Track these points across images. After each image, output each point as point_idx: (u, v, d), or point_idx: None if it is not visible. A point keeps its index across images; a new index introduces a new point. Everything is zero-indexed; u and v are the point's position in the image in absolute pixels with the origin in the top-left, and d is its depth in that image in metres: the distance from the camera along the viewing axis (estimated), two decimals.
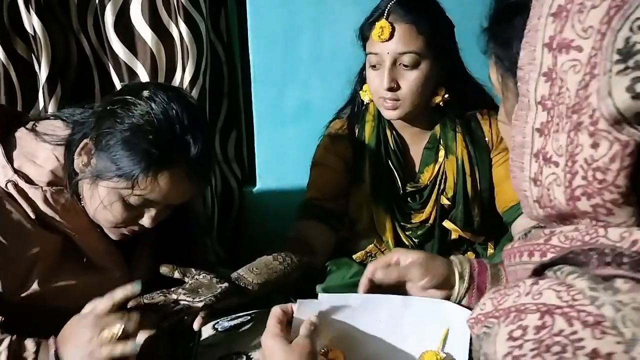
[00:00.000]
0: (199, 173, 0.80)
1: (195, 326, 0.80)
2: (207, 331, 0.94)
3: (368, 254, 1.10)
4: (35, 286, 0.79)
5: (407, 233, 1.07)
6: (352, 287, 1.04)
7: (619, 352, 0.33)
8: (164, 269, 0.85)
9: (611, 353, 0.33)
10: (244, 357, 0.85)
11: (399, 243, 1.07)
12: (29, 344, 0.71)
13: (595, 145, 0.37)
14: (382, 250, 1.10)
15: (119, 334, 0.69)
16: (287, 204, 1.18)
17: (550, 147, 0.41)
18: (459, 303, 0.77)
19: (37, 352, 0.70)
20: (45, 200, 0.78)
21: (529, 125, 0.43)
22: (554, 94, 0.40)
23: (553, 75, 0.40)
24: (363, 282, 0.78)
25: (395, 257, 0.78)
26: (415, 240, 1.07)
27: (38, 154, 0.81)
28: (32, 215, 0.78)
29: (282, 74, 1.42)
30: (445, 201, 1.04)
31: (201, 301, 0.83)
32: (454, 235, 1.05)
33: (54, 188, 0.79)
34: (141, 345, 0.77)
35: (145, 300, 0.78)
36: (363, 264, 1.11)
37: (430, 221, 1.06)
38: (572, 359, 0.33)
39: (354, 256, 1.11)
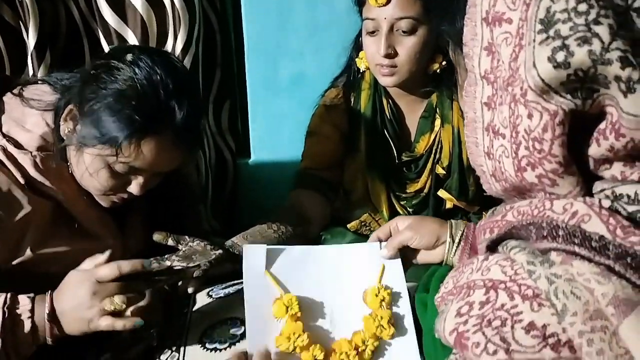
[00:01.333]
0: (186, 140, 0.78)
1: (189, 290, 0.80)
2: (201, 298, 0.94)
3: (362, 224, 1.10)
4: (28, 252, 0.78)
5: (401, 203, 1.07)
6: None
7: (553, 324, 0.34)
8: (157, 236, 0.84)
9: (546, 325, 0.35)
10: (238, 322, 0.86)
11: (393, 213, 1.07)
12: (23, 300, 0.70)
13: (530, 116, 0.38)
14: (377, 219, 1.10)
15: (121, 307, 0.68)
16: (282, 176, 1.18)
17: (497, 120, 0.41)
18: (453, 264, 0.78)
19: (32, 311, 0.70)
20: (35, 166, 0.77)
21: (477, 100, 0.43)
22: (494, 67, 0.41)
23: (493, 49, 0.40)
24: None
25: (394, 224, 0.83)
26: (410, 210, 1.07)
27: (27, 118, 0.80)
28: (22, 181, 0.76)
29: (276, 44, 1.40)
30: (440, 170, 1.04)
31: (195, 267, 0.82)
32: (448, 205, 1.05)
33: (43, 153, 0.78)
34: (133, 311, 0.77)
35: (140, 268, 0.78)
36: (357, 234, 1.11)
37: (425, 190, 1.06)
38: (511, 331, 0.35)
39: (348, 225, 1.11)
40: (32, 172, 0.77)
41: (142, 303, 0.74)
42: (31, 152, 0.77)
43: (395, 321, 0.78)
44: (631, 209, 0.35)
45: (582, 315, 0.33)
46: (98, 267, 0.71)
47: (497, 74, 0.40)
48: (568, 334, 0.33)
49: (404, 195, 1.06)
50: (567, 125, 0.36)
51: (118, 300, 0.69)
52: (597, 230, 0.35)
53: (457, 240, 0.78)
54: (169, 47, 1.24)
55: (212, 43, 1.33)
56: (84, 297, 0.69)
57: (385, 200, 1.06)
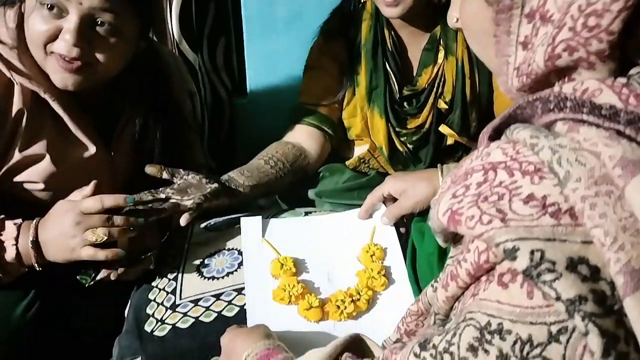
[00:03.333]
0: None
1: (182, 222, 0.79)
2: (198, 231, 0.93)
3: (361, 161, 1.08)
4: (16, 155, 0.77)
5: (401, 139, 1.04)
6: (345, 192, 1.03)
7: (554, 194, 0.33)
8: (151, 169, 0.82)
9: (546, 195, 0.33)
10: (236, 252, 0.85)
11: (393, 149, 1.05)
12: (9, 227, 0.71)
13: None
14: (376, 156, 1.08)
15: (103, 240, 0.70)
16: (279, 115, 1.14)
17: (550, 3, 0.37)
18: None
19: (17, 238, 0.71)
20: (19, 59, 0.74)
21: None
22: None
23: None
24: (362, 214, 0.89)
25: (386, 191, 0.87)
26: (410, 147, 1.05)
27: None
28: (8, 74, 0.74)
29: None
30: (442, 105, 1.01)
31: (190, 200, 0.81)
32: (449, 141, 1.03)
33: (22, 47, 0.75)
34: (130, 239, 0.76)
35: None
36: (356, 171, 1.10)
37: (426, 126, 1.03)
38: (508, 204, 0.34)
39: (347, 162, 1.09)
40: (18, 65, 0.74)
41: (130, 235, 0.75)
42: (14, 46, 0.74)
43: (387, 273, 0.81)
44: None
45: (586, 180, 0.31)
46: (84, 198, 0.72)
47: None
48: (570, 201, 0.32)
49: (404, 131, 1.04)
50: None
51: (100, 232, 0.70)
52: (608, 101, 0.33)
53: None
54: None
55: None
56: (67, 227, 0.70)
57: (385, 136, 1.04)
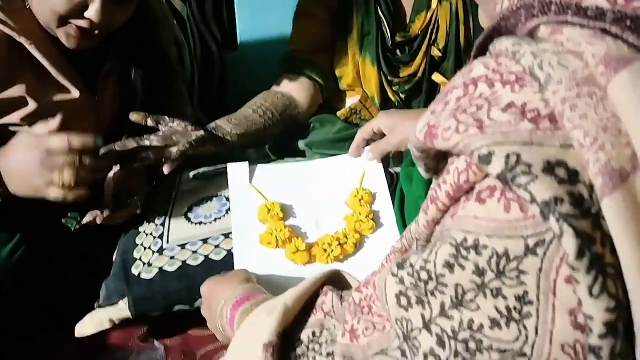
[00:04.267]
0: None
1: (165, 170, 0.78)
2: (187, 179, 0.92)
3: (352, 111, 1.06)
4: None
5: (393, 88, 1.02)
6: (336, 143, 1.02)
7: (534, 101, 0.32)
8: (135, 116, 0.80)
9: (526, 102, 0.32)
10: (224, 198, 0.85)
11: (384, 99, 1.03)
12: None
13: None
14: (367, 107, 1.06)
15: (69, 182, 0.66)
16: (271, 69, 1.12)
17: None
18: None
19: None
20: None
21: None
22: None
23: None
24: (353, 150, 0.88)
25: (377, 126, 0.86)
26: (402, 96, 1.03)
27: None
28: None
29: None
30: (436, 52, 0.98)
31: (174, 146, 0.80)
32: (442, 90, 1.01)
33: None
34: (115, 182, 0.75)
35: (117, 147, 0.75)
36: (347, 121, 1.08)
37: (419, 75, 1.01)
38: (486, 113, 0.33)
39: (337, 113, 1.07)
40: None
41: (98, 176, 0.73)
42: None
43: (375, 217, 0.80)
44: None
45: (567, 82, 0.30)
46: (50, 134, 0.69)
47: None
48: (550, 105, 0.31)
49: (396, 79, 1.02)
50: None
51: (66, 175, 0.66)
52: (594, 3, 0.31)
53: None
54: None
55: None
56: (32, 165, 0.66)
57: (377, 85, 1.01)
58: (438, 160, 0.41)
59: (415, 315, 0.37)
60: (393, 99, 1.03)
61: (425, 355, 0.36)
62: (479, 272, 0.34)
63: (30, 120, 0.76)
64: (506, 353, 0.33)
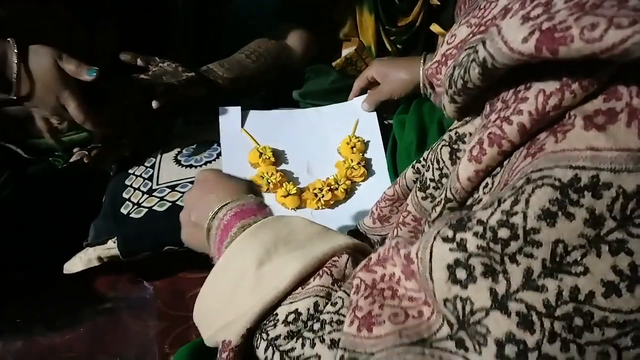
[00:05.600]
0: None
1: (153, 104, 0.77)
2: (178, 124, 0.91)
3: (348, 61, 1.04)
4: None
5: (391, 38, 1.00)
6: (330, 94, 1.00)
7: None
8: (125, 56, 0.79)
9: None
10: (215, 144, 0.84)
11: (381, 49, 1.01)
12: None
13: None
14: (364, 57, 1.04)
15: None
16: (267, 19, 1.09)
17: None
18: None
19: None
20: None
21: None
22: None
23: None
24: (351, 99, 0.90)
25: (370, 74, 0.88)
26: (399, 46, 1.01)
27: None
28: None
29: None
30: (434, 1, 0.96)
31: (164, 84, 0.78)
32: (440, 40, 0.99)
33: None
34: (103, 123, 0.74)
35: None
36: (343, 73, 1.06)
37: (417, 24, 0.98)
38: None
39: (333, 63, 1.05)
40: None
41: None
42: None
43: (367, 165, 0.80)
44: None
45: None
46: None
47: None
48: None
49: (394, 29, 0.99)
50: None
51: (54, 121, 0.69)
52: None
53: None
54: None
55: None
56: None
57: (374, 35, 0.99)
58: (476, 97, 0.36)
59: (479, 293, 0.28)
60: (390, 49, 1.01)
61: (500, 344, 0.27)
62: (595, 221, 0.26)
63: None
64: (627, 327, 0.26)
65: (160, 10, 0.90)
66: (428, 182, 0.47)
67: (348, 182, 0.76)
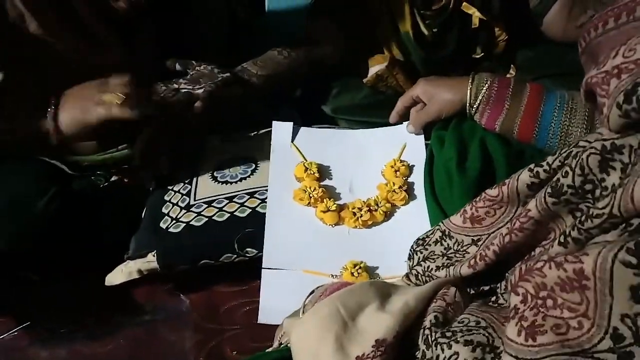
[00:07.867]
0: None
1: (196, 109, 0.80)
2: (214, 142, 0.93)
3: (379, 78, 1.05)
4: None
5: (426, 22, 0.99)
6: (362, 109, 1.01)
7: None
8: (168, 63, 0.84)
9: None
10: (250, 159, 0.86)
11: (418, 34, 1.00)
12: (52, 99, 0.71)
13: None
14: (394, 74, 1.05)
15: (119, 95, 0.68)
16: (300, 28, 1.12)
17: None
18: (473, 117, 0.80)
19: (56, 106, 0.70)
20: None
21: None
22: None
23: None
24: (393, 117, 0.90)
25: (415, 94, 0.86)
26: (434, 30, 1.00)
27: None
28: None
29: None
30: None
31: (201, 88, 0.82)
32: (474, 23, 0.98)
33: None
34: (142, 141, 0.77)
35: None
36: (372, 87, 1.07)
37: (450, 6, 0.98)
38: None
39: (364, 80, 1.06)
40: None
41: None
42: None
43: (409, 189, 0.80)
44: None
45: None
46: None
47: None
48: None
49: (428, 13, 0.99)
50: None
51: (118, 89, 0.69)
52: None
53: (479, 98, 0.79)
54: None
55: None
56: (86, 91, 0.70)
57: (409, 19, 0.99)
58: None
59: None
60: (426, 32, 1.00)
61: None
62: None
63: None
64: None
65: (194, 19, 0.93)
66: (565, 188, 0.45)
67: (388, 205, 0.77)
